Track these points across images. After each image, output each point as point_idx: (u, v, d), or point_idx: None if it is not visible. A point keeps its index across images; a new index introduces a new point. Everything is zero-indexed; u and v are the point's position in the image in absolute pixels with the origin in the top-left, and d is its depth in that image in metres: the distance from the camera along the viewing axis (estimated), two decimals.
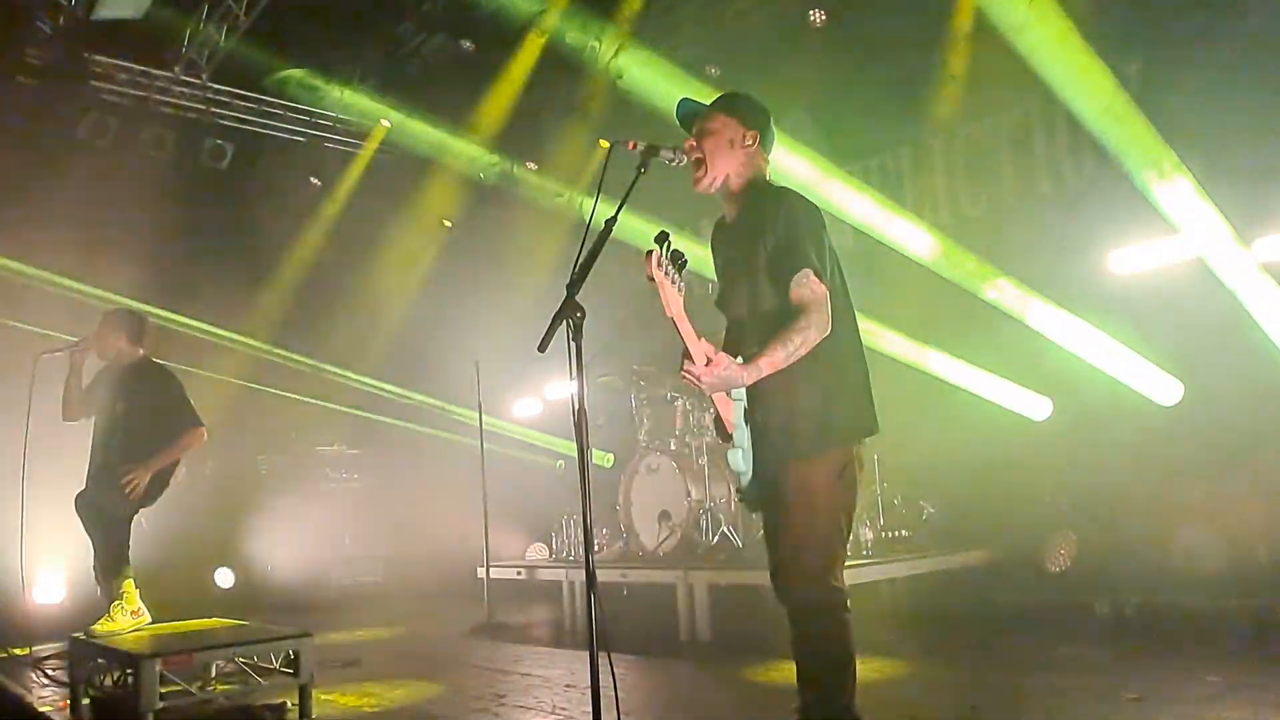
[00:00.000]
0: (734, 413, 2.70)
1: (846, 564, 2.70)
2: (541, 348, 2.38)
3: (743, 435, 2.68)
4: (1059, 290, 6.07)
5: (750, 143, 2.84)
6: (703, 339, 2.55)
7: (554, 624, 6.96)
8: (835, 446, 2.68)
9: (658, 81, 7.15)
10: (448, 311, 9.65)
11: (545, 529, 8.13)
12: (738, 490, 2.88)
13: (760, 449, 2.68)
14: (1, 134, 7.94)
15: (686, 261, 2.49)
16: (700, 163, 2.81)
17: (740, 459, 2.68)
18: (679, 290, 2.45)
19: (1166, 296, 5.66)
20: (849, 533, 2.74)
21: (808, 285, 2.59)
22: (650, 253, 2.36)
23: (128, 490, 4.57)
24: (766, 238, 2.69)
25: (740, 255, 2.81)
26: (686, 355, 2.56)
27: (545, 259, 8.98)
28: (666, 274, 2.39)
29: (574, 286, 2.43)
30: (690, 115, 2.91)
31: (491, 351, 7.53)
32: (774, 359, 2.53)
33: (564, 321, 2.39)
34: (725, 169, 2.81)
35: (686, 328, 2.51)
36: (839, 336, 2.66)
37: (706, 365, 2.50)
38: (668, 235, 2.44)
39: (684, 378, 2.58)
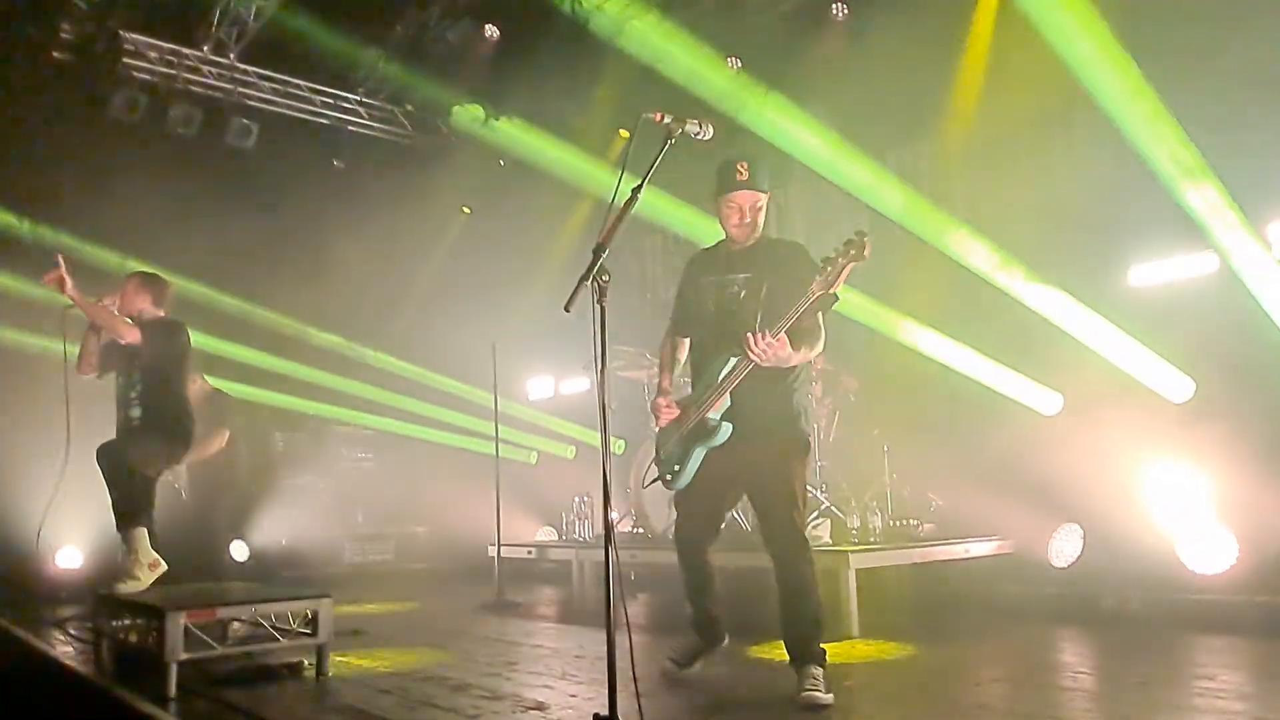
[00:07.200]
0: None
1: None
2: (567, 307, 2.43)
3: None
4: (1074, 285, 6.11)
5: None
6: None
7: (563, 603, 7.05)
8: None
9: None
10: (466, 293, 9.73)
11: (555, 513, 8.21)
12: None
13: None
14: (35, 108, 8.07)
15: None
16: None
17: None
18: None
19: (1180, 292, 5.68)
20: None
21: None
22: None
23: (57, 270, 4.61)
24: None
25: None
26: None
27: (565, 242, 9.05)
28: None
29: (600, 249, 2.48)
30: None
31: (509, 334, 7.60)
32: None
33: (590, 282, 2.45)
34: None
35: None
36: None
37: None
38: None
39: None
